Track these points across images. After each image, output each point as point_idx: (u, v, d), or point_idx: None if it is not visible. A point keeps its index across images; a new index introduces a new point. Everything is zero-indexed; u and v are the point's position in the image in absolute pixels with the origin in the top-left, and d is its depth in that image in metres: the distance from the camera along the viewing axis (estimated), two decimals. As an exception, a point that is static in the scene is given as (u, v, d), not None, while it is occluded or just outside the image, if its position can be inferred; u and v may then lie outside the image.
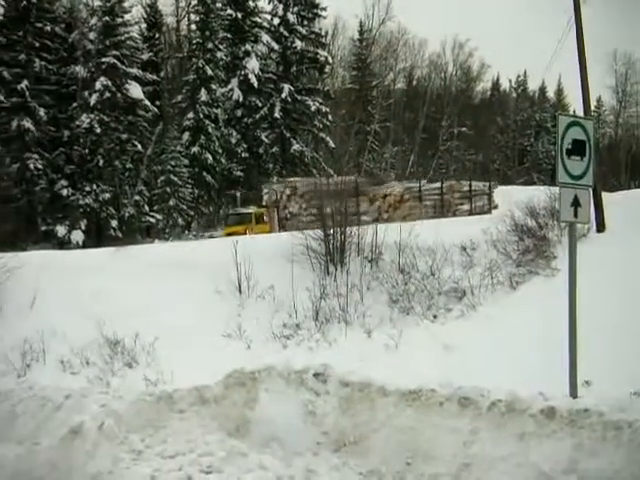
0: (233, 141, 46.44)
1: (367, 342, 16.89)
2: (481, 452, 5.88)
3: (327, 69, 53.45)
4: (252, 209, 40.13)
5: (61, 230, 43.06)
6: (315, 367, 7.15)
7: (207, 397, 7.38)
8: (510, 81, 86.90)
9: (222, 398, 7.29)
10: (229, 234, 35.04)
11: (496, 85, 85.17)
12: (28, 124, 43.17)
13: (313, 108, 47.09)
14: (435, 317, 18.86)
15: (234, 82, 47.10)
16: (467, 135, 71.47)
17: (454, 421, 6.12)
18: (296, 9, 48.66)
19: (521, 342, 12.56)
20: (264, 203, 37.65)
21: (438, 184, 40.87)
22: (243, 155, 46.42)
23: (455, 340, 14.34)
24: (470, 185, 40.59)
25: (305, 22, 49.14)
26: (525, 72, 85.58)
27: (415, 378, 6.98)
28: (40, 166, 43.71)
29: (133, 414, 7.35)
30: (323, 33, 52.81)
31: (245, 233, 35.34)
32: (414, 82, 74.91)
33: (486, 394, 6.40)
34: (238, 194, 45.85)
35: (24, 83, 43.30)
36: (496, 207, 38.53)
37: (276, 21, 49.02)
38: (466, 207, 39.29)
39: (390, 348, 15.32)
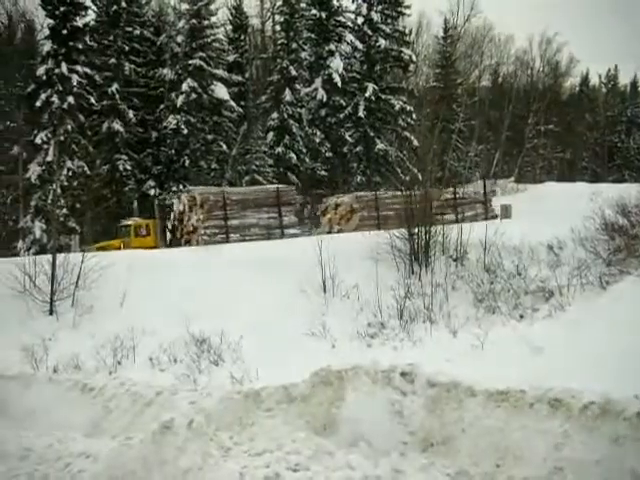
0: (317, 141, 46.51)
1: (452, 342, 16.75)
2: (573, 456, 5.75)
3: (411, 67, 53.07)
4: (132, 221, 38.13)
5: (149, 229, 44.01)
6: (402, 366, 7.10)
7: (294, 395, 7.40)
8: (600, 76, 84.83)
9: (309, 396, 7.29)
10: (101, 248, 32.27)
11: (585, 80, 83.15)
12: (118, 126, 44.15)
13: (397, 107, 46.83)
14: (522, 317, 18.62)
15: (318, 82, 47.20)
16: (554, 132, 70.03)
17: (545, 423, 5.99)
18: (380, 8, 48.46)
19: (612, 343, 12.25)
20: (173, 214, 34.99)
21: (408, 192, 38.71)
22: (327, 155, 46.47)
23: (543, 340, 14.09)
24: (455, 192, 36.90)
25: (389, 20, 48.89)
26: (616, 66, 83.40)
27: (503, 378, 6.87)
28: (129, 167, 44.65)
29: (221, 411, 7.43)
30: (407, 31, 52.40)
31: (120, 248, 33.08)
32: (499, 79, 73.82)
33: (577, 396, 6.25)
34: (135, 204, 43.86)
35: (114, 86, 44.30)
36: (495, 217, 36.24)
37: (360, 20, 48.91)
38: (450, 217, 34.95)
39: (476, 348, 15.15)
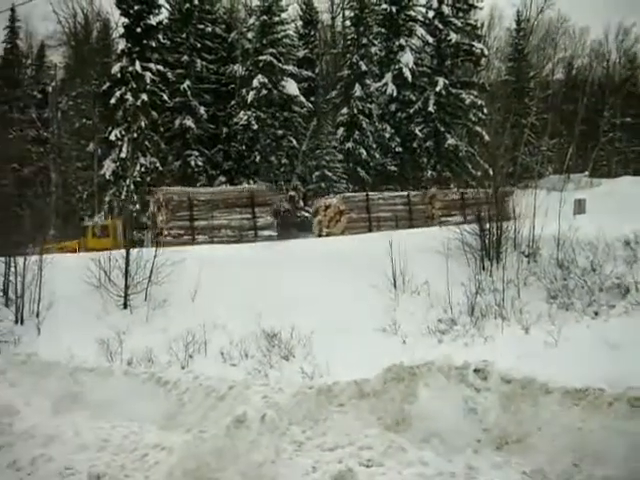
0: (387, 136, 46.34)
1: (525, 338, 16.50)
2: (656, 456, 5.62)
3: (482, 61, 52.46)
4: (91, 222, 37.32)
5: (218, 224, 44.53)
6: (475, 363, 7.03)
7: (366, 391, 7.38)
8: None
9: (381, 392, 7.26)
10: (60, 249, 31.42)
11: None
12: (189, 122, 44.72)
13: (468, 101, 46.36)
14: (596, 314, 18.27)
15: (388, 77, 47.02)
16: (631, 125, 68.42)
17: (625, 423, 5.85)
18: (451, 1, 48.08)
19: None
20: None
21: (403, 193, 37.79)
22: (397, 150, 46.27)
23: (619, 338, 13.76)
24: (462, 193, 36.28)
25: (460, 14, 48.43)
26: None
27: (579, 376, 6.75)
28: (200, 163, 45.22)
29: (294, 406, 7.46)
30: (479, 25, 51.83)
31: (76, 250, 32.43)
32: (574, 72, 72.45)
33: (659, 395, 6.10)
34: (107, 200, 42.43)
35: (186, 83, 44.87)
36: (509, 219, 34.91)
37: (431, 14, 48.50)
38: (457, 219, 33.88)
39: (549, 345, 14.89)
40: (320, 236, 32.41)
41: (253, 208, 32.57)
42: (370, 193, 36.84)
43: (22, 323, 20.12)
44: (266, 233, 31.88)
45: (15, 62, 59.45)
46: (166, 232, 31.16)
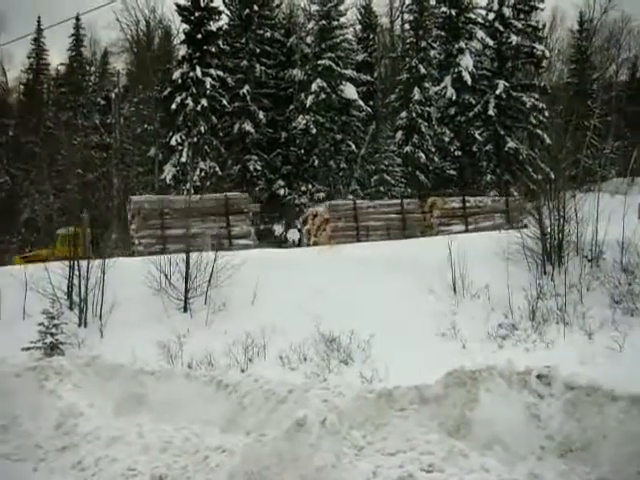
0: (446, 139, 46.07)
1: (588, 344, 16.26)
2: None
3: (544, 63, 51.86)
4: (63, 229, 34.72)
5: (278, 229, 44.76)
6: (538, 369, 6.93)
7: (426, 396, 7.33)
8: None
9: (442, 397, 7.21)
10: (26, 259, 31.67)
11: None
12: (249, 127, 45.05)
13: (529, 104, 45.81)
14: (664, 320, 17.90)
15: (447, 80, 46.76)
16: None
17: (695, 432, 5.74)
18: (512, 2, 47.60)
19: None
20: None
21: (396, 201, 36.69)
22: (456, 153, 45.99)
23: (689, 345, 13.50)
24: (464, 201, 35.38)
25: (521, 16, 47.93)
26: None
27: (646, 383, 6.62)
28: (259, 167, 45.51)
29: (354, 410, 7.44)
30: (540, 26, 51.20)
31: (46, 259, 30.12)
32: (638, 73, 71.13)
33: None
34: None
35: (245, 88, 45.23)
36: (524, 227, 34.10)
37: (491, 16, 48.09)
38: (458, 228, 33.65)
39: (614, 351, 14.66)
40: (308, 245, 31.84)
41: (227, 217, 31.75)
42: (359, 201, 35.95)
43: (85, 326, 20.42)
44: (242, 242, 30.70)
45: (79, 70, 60.74)
46: (137, 241, 30.79)
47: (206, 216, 31.32)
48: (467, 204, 35.20)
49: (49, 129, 57.49)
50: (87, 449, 8.39)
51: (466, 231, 32.44)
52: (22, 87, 65.95)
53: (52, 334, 18.13)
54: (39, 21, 60.42)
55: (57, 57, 74.67)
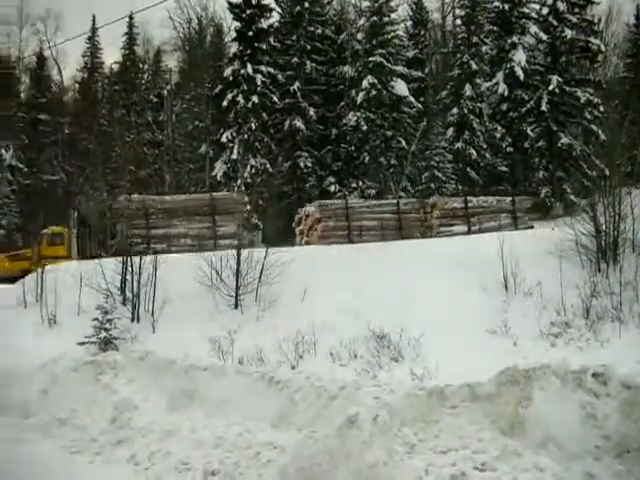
0: (497, 136, 45.54)
1: (645, 343, 16.00)
2: None
3: (599, 58, 51.00)
4: (48, 229, 35.64)
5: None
6: (594, 367, 6.84)
7: (479, 394, 7.28)
8: None
9: (495, 395, 7.15)
10: (11, 257, 32.65)
11: None
12: (299, 123, 45.12)
13: (583, 99, 45.03)
14: None
15: (499, 76, 46.24)
16: None
17: None
18: (567, -3, 46.99)
19: None
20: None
21: (392, 201, 35.92)
22: (508, 150, 45.47)
23: None
24: (466, 201, 34.52)
25: (576, 10, 47.13)
26: None
27: None
28: (309, 164, 45.57)
29: (405, 408, 7.42)
30: (596, 20, 50.36)
31: (31, 258, 32.07)
32: (695, 67, 69.67)
33: None
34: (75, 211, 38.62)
35: (296, 85, 45.29)
36: (530, 227, 33.12)
37: (545, 10, 47.41)
38: (460, 229, 33.15)
39: (674, 350, 14.40)
40: (300, 245, 31.30)
41: (214, 217, 31.25)
42: (352, 201, 35.30)
43: (138, 321, 20.69)
44: (228, 242, 29.10)
45: (133, 68, 61.46)
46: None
47: (192, 216, 31.15)
48: (470, 204, 34.51)
49: (103, 127, 58.22)
50: (141, 443, 8.52)
51: (468, 232, 32.07)
52: (77, 86, 66.95)
53: (106, 329, 18.41)
54: (94, 20, 61.31)
55: (111, 55, 75.61)
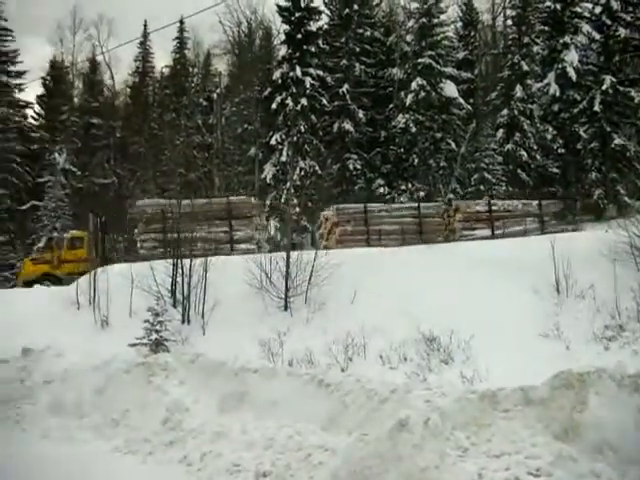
0: (549, 137, 45.00)
1: None
2: None
3: (655, 56, 50.21)
4: (69, 233, 36.16)
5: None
6: (651, 372, 6.73)
7: (532, 398, 7.19)
8: None
9: (549, 399, 7.05)
10: (34, 260, 33.33)
11: None
12: (348, 126, 45.16)
13: (637, 99, 44.17)
14: None
15: (551, 76, 45.65)
16: None
17: None
18: (620, -5, 46.26)
19: None
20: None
21: (413, 204, 35.43)
22: (559, 151, 44.90)
23: None
24: (489, 204, 33.86)
25: (630, 8, 46.44)
26: None
27: None
28: (359, 166, 45.57)
29: (457, 411, 7.36)
30: (650, 18, 49.55)
31: (51, 261, 33.18)
32: None
33: None
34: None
35: (345, 87, 45.35)
36: (562, 231, 31.37)
37: (598, 9, 46.76)
38: (483, 232, 32.49)
39: None
40: (320, 249, 31.26)
41: (230, 221, 31.22)
42: (371, 205, 34.62)
43: (188, 323, 20.84)
44: (244, 247, 30.20)
45: (183, 71, 62.11)
46: (139, 245, 30.98)
47: (209, 220, 31.01)
48: (494, 207, 33.93)
49: (153, 130, 58.95)
50: (192, 444, 8.59)
51: (492, 236, 31.63)
52: (128, 90, 67.78)
53: (157, 331, 18.57)
54: (145, 25, 62.02)
55: (162, 59, 76.66)
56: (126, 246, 35.54)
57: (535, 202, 35.22)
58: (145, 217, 30.86)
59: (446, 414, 7.22)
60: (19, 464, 8.47)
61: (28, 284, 30.75)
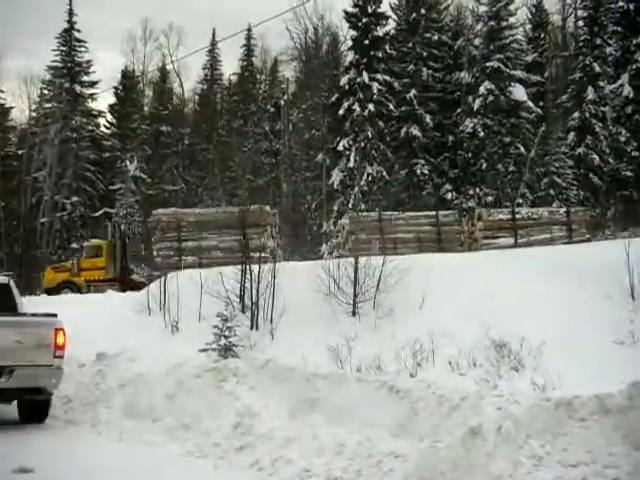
0: (622, 140, 44.22)
1: None
2: None
3: None
4: (88, 242, 37.36)
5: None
6: None
7: (609, 406, 7.01)
8: None
9: (627, 408, 6.87)
10: (55, 269, 34.06)
11: None
12: (415, 131, 45.01)
13: None
14: None
15: (624, 77, 44.73)
16: None
17: None
18: (699, -8, 45.13)
19: None
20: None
21: (431, 212, 34.32)
22: (633, 154, 44.02)
23: None
24: (513, 212, 32.89)
25: None
26: None
27: None
28: (426, 171, 45.36)
29: (531, 419, 7.23)
30: None
31: (70, 269, 33.65)
32: None
33: None
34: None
35: (412, 92, 45.23)
36: (588, 240, 31.11)
37: (672, 9, 45.84)
38: (506, 241, 31.59)
39: None
40: (339, 256, 30.86)
41: (244, 230, 30.61)
42: (386, 213, 34.03)
43: (257, 328, 20.92)
44: (258, 255, 30.05)
45: (250, 78, 62.74)
46: (155, 253, 31.30)
47: (222, 229, 31.47)
48: (517, 216, 33.19)
49: (221, 137, 59.63)
50: (263, 449, 8.63)
51: (515, 244, 30.97)
52: (197, 97, 68.67)
53: (226, 336, 18.68)
54: (214, 34, 62.72)
55: (229, 66, 77.49)
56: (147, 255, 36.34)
57: (563, 210, 34.84)
58: (161, 226, 31.35)
59: (519, 422, 7.10)
60: (95, 467, 8.62)
61: (49, 292, 31.64)
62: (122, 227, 35.10)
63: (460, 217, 34.55)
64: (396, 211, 35.36)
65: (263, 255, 30.42)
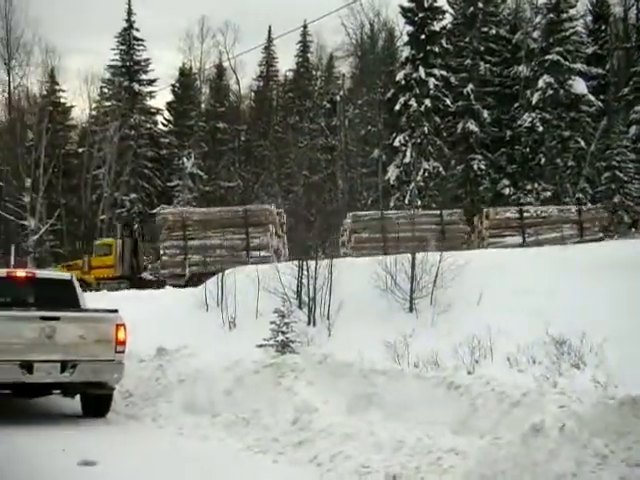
0: (685, 133, 43.47)
1: None
2: None
3: None
4: (99, 240, 37.73)
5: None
6: None
7: (674, 405, 6.88)
8: None
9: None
10: (67, 267, 34.18)
11: None
12: (472, 126, 44.64)
13: None
14: None
15: (689, 69, 44.10)
16: None
17: None
18: None
19: None
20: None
21: (435, 212, 33.85)
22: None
23: None
24: (521, 211, 32.80)
25: None
26: None
27: None
28: (483, 166, 44.96)
29: (594, 417, 7.09)
30: None
31: (82, 267, 33.93)
32: None
33: None
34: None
35: (469, 87, 44.88)
36: (600, 239, 30.73)
37: None
38: (513, 240, 31.47)
39: None
40: (345, 256, 30.58)
41: (247, 228, 31.43)
42: (388, 212, 34.03)
43: (314, 324, 20.91)
44: (261, 254, 30.29)
45: (306, 74, 62.90)
46: (162, 252, 31.74)
47: (226, 228, 31.89)
48: (526, 214, 33.26)
49: (277, 133, 59.86)
50: (322, 445, 8.63)
51: (523, 243, 30.87)
52: (253, 94, 69.03)
53: (283, 332, 18.72)
54: (269, 31, 62.97)
55: (285, 63, 77.82)
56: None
57: (574, 208, 34.83)
58: (167, 225, 31.89)
59: (583, 420, 6.97)
60: (157, 461, 8.72)
61: None
62: (134, 226, 35.79)
63: (466, 216, 34.75)
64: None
65: (265, 254, 30.90)
